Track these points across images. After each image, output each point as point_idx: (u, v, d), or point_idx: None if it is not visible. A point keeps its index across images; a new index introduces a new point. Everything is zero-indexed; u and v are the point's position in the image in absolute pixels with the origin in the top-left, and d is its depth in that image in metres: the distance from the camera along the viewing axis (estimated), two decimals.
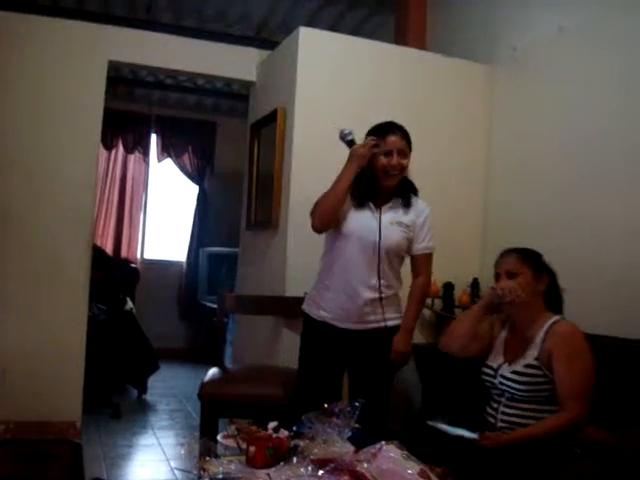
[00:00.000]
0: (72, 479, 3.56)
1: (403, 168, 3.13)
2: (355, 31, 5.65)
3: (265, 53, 4.84)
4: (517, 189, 4.23)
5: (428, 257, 3.24)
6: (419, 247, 3.20)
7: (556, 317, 2.79)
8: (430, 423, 2.63)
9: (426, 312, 4.29)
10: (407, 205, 3.18)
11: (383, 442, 2.08)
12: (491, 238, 4.41)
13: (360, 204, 3.15)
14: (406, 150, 3.13)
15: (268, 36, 5.93)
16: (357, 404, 2.15)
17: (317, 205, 3.17)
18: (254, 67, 4.90)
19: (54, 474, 3.74)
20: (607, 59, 3.61)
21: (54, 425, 4.31)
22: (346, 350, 3.17)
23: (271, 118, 4.38)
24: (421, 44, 4.95)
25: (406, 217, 3.17)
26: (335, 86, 4.20)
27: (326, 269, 3.23)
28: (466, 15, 4.84)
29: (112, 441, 4.54)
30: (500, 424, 2.74)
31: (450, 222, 4.38)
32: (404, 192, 3.20)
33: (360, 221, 3.12)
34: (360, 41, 4.43)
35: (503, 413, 2.75)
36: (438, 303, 4.23)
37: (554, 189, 3.89)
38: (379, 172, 3.11)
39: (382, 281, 3.11)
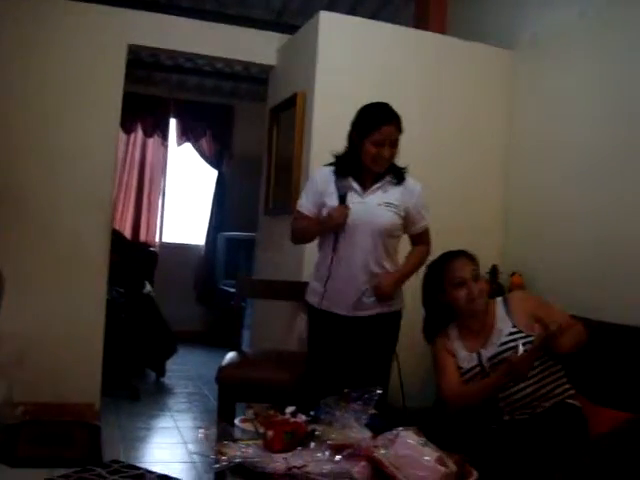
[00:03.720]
0: (90, 461, 3.59)
1: (392, 157, 3.10)
2: (374, 15, 5.60)
3: (285, 37, 4.83)
4: (538, 175, 4.20)
5: (426, 230, 3.28)
6: (417, 227, 3.23)
7: (498, 297, 2.98)
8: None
9: None
10: (397, 182, 3.16)
11: (401, 428, 2.08)
12: (512, 225, 4.40)
13: (342, 184, 3.12)
14: (398, 139, 3.09)
15: (288, 20, 5.90)
16: (378, 391, 2.15)
17: (296, 230, 3.30)
18: (274, 51, 4.89)
19: (72, 456, 3.77)
20: (627, 43, 3.57)
21: (73, 407, 4.35)
22: (349, 336, 3.17)
23: (290, 103, 4.36)
24: (441, 28, 4.90)
25: (395, 196, 3.13)
26: (355, 70, 4.18)
27: (323, 258, 3.22)
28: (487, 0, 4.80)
29: (130, 423, 4.57)
30: (507, 407, 2.74)
31: (470, 209, 4.38)
32: (393, 171, 3.16)
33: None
34: (380, 25, 4.41)
35: (502, 397, 2.74)
36: None
37: (576, 174, 3.86)
38: (368, 160, 3.08)
39: (378, 265, 3.12)
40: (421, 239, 3.29)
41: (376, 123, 3.04)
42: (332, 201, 3.11)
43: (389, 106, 3.09)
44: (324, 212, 3.13)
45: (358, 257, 3.09)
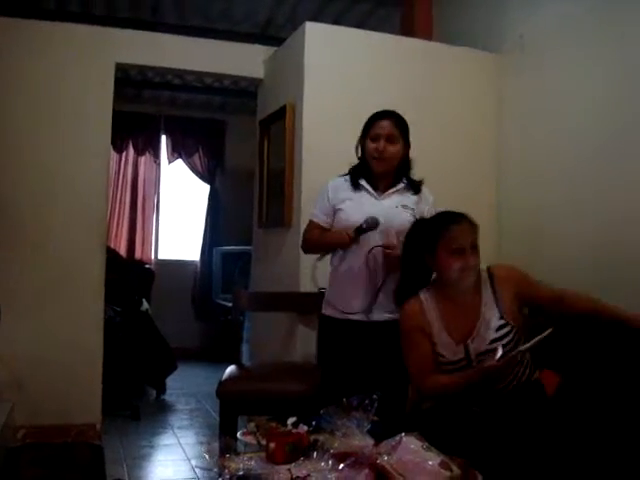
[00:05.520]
0: None
1: (392, 154, 3.12)
2: (360, 25, 5.62)
3: (272, 50, 4.84)
4: (528, 176, 4.22)
5: None
6: None
7: (483, 271, 2.79)
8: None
9: None
10: (414, 190, 3.20)
11: (403, 434, 2.07)
12: (505, 226, 4.40)
13: (357, 189, 3.17)
14: (396, 136, 3.12)
15: (274, 33, 5.92)
16: (375, 397, 2.14)
17: (307, 240, 3.32)
18: (261, 64, 4.91)
19: (75, 477, 3.76)
20: (614, 44, 3.59)
21: (74, 428, 4.34)
22: (366, 344, 3.14)
23: (280, 114, 4.37)
24: (428, 35, 4.93)
25: (411, 201, 3.17)
26: (343, 79, 4.19)
27: (338, 265, 3.22)
28: (472, 4, 4.83)
29: (133, 442, 4.56)
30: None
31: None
32: (409, 182, 3.22)
33: (362, 209, 3.12)
34: (367, 34, 4.42)
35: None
36: None
37: (566, 174, 3.87)
38: (368, 158, 3.15)
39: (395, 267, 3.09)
40: None
41: (372, 120, 3.16)
42: (345, 206, 3.14)
43: (390, 110, 3.18)
44: (346, 220, 3.14)
45: (375, 260, 3.08)
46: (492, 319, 2.68)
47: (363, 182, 3.19)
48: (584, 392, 2.59)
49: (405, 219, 3.09)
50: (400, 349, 2.84)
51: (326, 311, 3.28)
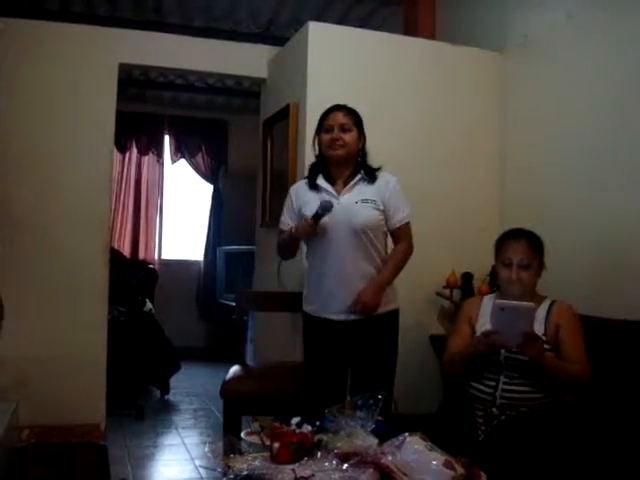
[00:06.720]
0: None
1: (346, 142, 3.13)
2: (363, 24, 5.63)
3: (275, 49, 4.84)
4: (532, 176, 4.21)
5: (406, 226, 3.23)
6: (395, 221, 3.19)
7: (549, 299, 2.95)
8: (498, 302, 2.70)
9: (445, 302, 4.27)
10: (370, 180, 3.18)
11: (407, 434, 2.07)
12: (508, 222, 4.37)
13: (316, 189, 3.19)
14: (349, 125, 3.15)
15: (277, 33, 5.93)
16: (379, 397, 2.15)
17: (278, 245, 3.35)
18: (264, 64, 4.90)
19: (80, 476, 3.76)
20: (617, 45, 3.58)
21: (79, 428, 4.33)
22: (346, 342, 3.15)
23: (283, 114, 4.37)
24: (431, 34, 4.93)
25: (370, 192, 3.15)
26: (346, 79, 4.19)
27: (310, 265, 3.25)
28: (476, 3, 4.82)
29: (137, 442, 4.56)
30: (501, 400, 2.74)
31: (466, 212, 4.38)
32: (365, 170, 3.20)
33: None
34: (370, 33, 4.43)
35: (504, 390, 2.75)
36: (457, 293, 4.21)
37: (569, 174, 3.87)
38: (324, 149, 3.18)
39: (366, 262, 3.12)
40: (400, 236, 3.23)
41: (324, 114, 3.21)
42: (307, 211, 3.13)
43: (341, 104, 3.23)
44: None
45: (344, 258, 3.09)
46: (537, 331, 2.77)
47: (321, 181, 3.20)
48: (600, 401, 2.79)
49: (367, 214, 3.11)
50: (383, 346, 3.17)
51: (305, 307, 3.32)
